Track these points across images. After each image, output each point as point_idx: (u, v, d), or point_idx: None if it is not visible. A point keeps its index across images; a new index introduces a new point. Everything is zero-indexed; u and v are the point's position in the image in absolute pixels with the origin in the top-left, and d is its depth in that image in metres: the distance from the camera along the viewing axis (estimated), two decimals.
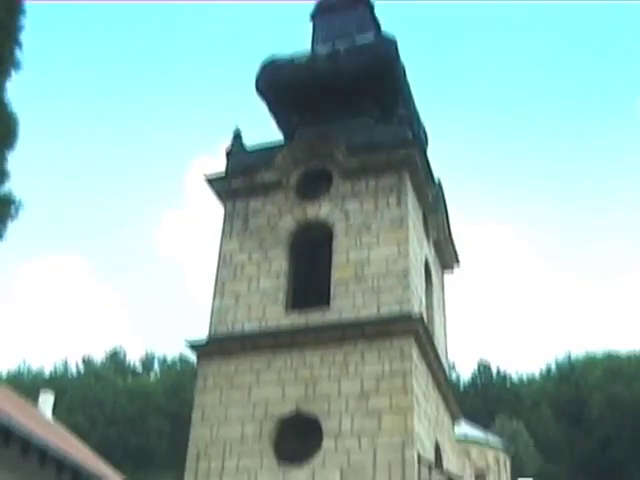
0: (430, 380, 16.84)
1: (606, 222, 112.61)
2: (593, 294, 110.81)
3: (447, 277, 21.71)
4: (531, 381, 75.70)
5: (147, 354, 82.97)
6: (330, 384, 15.41)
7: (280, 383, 15.78)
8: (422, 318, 16.11)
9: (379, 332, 15.65)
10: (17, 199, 16.08)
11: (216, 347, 16.72)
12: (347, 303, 16.31)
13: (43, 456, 21.67)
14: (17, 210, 16.11)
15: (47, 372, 77.10)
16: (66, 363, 78.95)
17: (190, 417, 16.30)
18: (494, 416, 58.78)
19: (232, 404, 15.90)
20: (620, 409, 59.48)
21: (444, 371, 18.12)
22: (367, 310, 16.09)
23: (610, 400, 60.90)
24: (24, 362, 78.25)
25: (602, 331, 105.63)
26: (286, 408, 15.53)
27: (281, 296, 16.99)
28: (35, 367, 78.43)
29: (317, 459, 14.79)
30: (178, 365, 77.25)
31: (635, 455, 57.63)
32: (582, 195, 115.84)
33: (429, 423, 16.12)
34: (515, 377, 76.54)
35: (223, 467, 15.27)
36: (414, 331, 15.63)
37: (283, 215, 18.13)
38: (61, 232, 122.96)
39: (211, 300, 17.53)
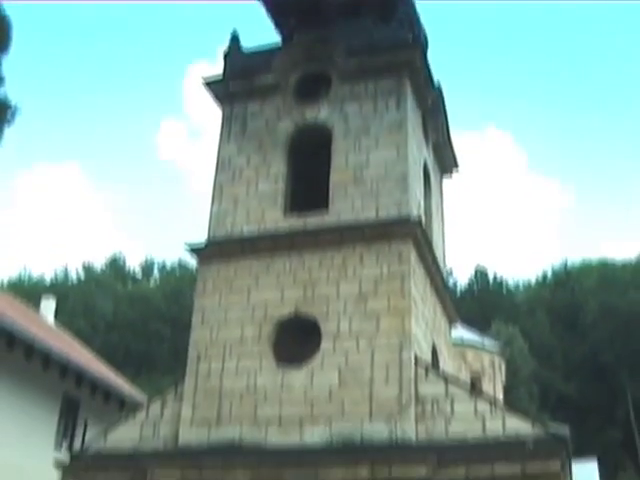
0: (428, 284, 16.96)
1: (610, 131, 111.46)
2: (591, 202, 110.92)
3: (446, 182, 21.68)
4: (527, 287, 76.39)
5: (146, 260, 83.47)
6: (329, 287, 15.52)
7: (279, 286, 15.89)
8: (420, 221, 16.14)
9: (378, 235, 15.68)
10: (13, 104, 15.93)
11: (215, 250, 16.79)
12: (346, 206, 16.30)
13: (46, 360, 22.07)
14: (13, 115, 15.97)
15: (48, 279, 77.47)
16: (66, 270, 79.28)
17: (190, 322, 16.46)
18: (490, 321, 59.39)
19: (231, 307, 16.05)
20: (613, 316, 60.15)
21: (442, 275, 18.25)
22: (366, 213, 16.09)
23: (604, 307, 61.52)
24: (25, 269, 78.60)
25: (598, 239, 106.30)
26: (285, 310, 15.69)
27: (280, 199, 16.97)
28: (36, 274, 78.90)
29: (315, 360, 15.01)
30: (177, 271, 77.69)
31: (626, 360, 58.57)
32: (587, 105, 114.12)
33: (426, 326, 16.31)
34: (511, 283, 77.22)
35: (223, 368, 15.51)
36: (412, 234, 15.66)
37: (282, 118, 17.95)
38: (59, 140, 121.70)
39: (210, 204, 17.53)
